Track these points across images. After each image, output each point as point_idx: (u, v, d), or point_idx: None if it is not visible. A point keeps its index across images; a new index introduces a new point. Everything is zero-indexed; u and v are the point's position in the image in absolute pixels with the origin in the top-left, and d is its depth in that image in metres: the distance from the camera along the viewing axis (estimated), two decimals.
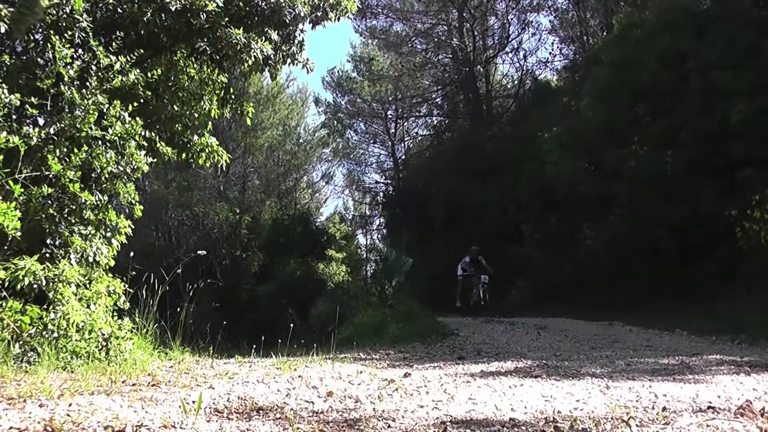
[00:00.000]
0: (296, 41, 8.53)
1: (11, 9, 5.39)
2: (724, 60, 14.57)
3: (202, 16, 7.44)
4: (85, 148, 5.61)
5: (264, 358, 6.42)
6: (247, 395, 3.94)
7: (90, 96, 5.81)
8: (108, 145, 5.86)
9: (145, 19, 7.11)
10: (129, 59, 6.41)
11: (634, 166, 16.39)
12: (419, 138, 39.09)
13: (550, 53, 31.61)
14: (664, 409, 3.62)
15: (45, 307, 4.93)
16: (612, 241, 16.84)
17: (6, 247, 4.92)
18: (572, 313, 15.21)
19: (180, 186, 24.46)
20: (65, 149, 5.56)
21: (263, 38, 8.01)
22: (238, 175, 30.26)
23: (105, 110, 5.88)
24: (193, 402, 3.52)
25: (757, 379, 5.10)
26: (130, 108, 6.12)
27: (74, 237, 5.53)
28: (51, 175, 5.37)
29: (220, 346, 7.27)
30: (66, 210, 5.50)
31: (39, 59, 6.44)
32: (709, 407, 3.67)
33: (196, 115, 8.48)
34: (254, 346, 6.69)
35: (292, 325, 7.55)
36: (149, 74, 7.08)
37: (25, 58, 6.49)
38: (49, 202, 5.34)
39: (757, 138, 13.28)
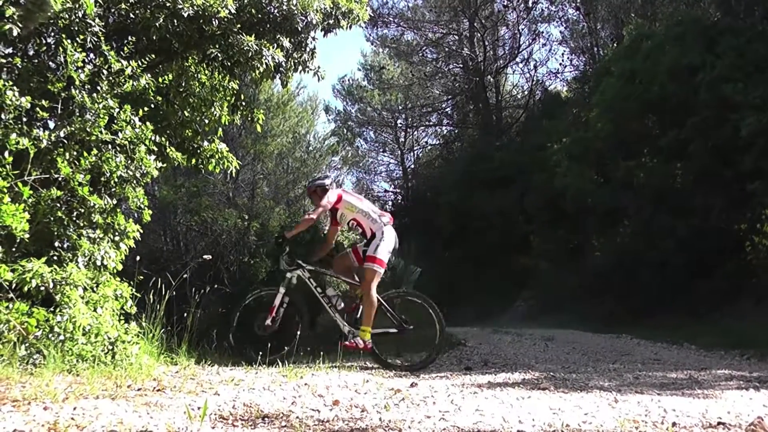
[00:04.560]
0: (308, 49, 8.53)
1: (20, 6, 5.39)
2: (734, 72, 14.56)
3: (214, 22, 7.45)
4: (95, 151, 5.61)
5: (270, 366, 6.39)
6: (253, 402, 3.91)
7: (101, 100, 5.81)
8: (118, 149, 5.86)
9: (157, 24, 7.12)
10: (140, 64, 6.41)
11: (643, 178, 16.37)
12: (428, 147, 39.19)
13: (560, 64, 31.78)
14: (673, 424, 3.58)
15: (52, 309, 4.92)
16: (620, 253, 16.78)
17: (14, 249, 4.92)
18: (579, 325, 15.15)
19: (189, 191, 24.45)
20: (75, 152, 5.56)
21: (275, 45, 8.01)
22: (248, 181, 30.26)
23: (115, 114, 5.88)
24: (198, 408, 3.50)
25: (767, 394, 5.04)
26: (141, 113, 6.12)
27: (82, 240, 5.52)
28: (60, 178, 5.38)
29: (226, 352, 7.25)
30: (74, 213, 5.50)
31: (50, 63, 6.45)
32: (719, 423, 3.63)
33: (207, 121, 8.50)
34: (260, 353, 6.65)
35: (298, 332, 7.50)
36: (160, 79, 7.07)
37: (36, 61, 6.50)
38: (58, 204, 5.33)
39: (767, 151, 13.23)
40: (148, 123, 6.17)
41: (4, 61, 5.84)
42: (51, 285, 4.95)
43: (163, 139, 6.82)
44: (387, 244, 7.23)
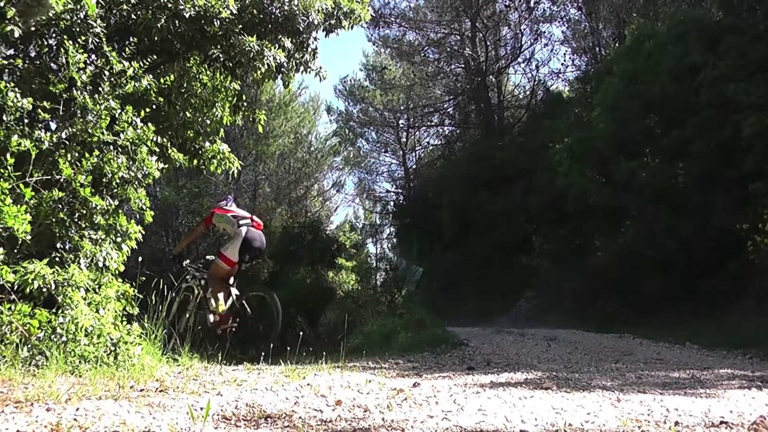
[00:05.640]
0: (309, 49, 8.52)
1: (20, 3, 5.40)
2: (735, 72, 14.55)
3: (215, 23, 7.45)
4: (97, 152, 5.61)
5: (273, 366, 6.39)
6: (256, 403, 3.91)
7: (102, 101, 5.82)
8: (119, 150, 5.86)
9: (158, 25, 7.12)
10: (142, 65, 6.41)
11: (645, 178, 16.34)
12: (430, 147, 39.22)
13: (562, 64, 31.64)
14: (676, 423, 3.58)
15: (54, 310, 4.92)
16: (622, 252, 16.77)
17: (16, 251, 4.92)
18: (582, 324, 15.14)
19: (191, 192, 24.44)
20: (77, 154, 5.57)
21: (276, 46, 8.01)
22: (249, 182, 30.26)
23: (117, 115, 5.88)
24: (201, 408, 3.49)
25: None
26: (142, 114, 6.12)
27: (84, 241, 5.52)
28: (62, 180, 5.38)
29: (228, 353, 7.26)
30: (76, 214, 5.50)
31: (52, 64, 6.46)
32: (722, 422, 3.62)
33: (208, 121, 8.50)
34: (263, 354, 6.65)
35: (301, 332, 7.55)
36: (162, 80, 7.06)
37: (38, 62, 6.50)
38: (60, 206, 5.33)
39: None
40: (149, 124, 6.17)
41: (5, 62, 5.85)
42: (53, 286, 4.95)
43: (164, 140, 6.82)
44: (234, 243, 8.18)
